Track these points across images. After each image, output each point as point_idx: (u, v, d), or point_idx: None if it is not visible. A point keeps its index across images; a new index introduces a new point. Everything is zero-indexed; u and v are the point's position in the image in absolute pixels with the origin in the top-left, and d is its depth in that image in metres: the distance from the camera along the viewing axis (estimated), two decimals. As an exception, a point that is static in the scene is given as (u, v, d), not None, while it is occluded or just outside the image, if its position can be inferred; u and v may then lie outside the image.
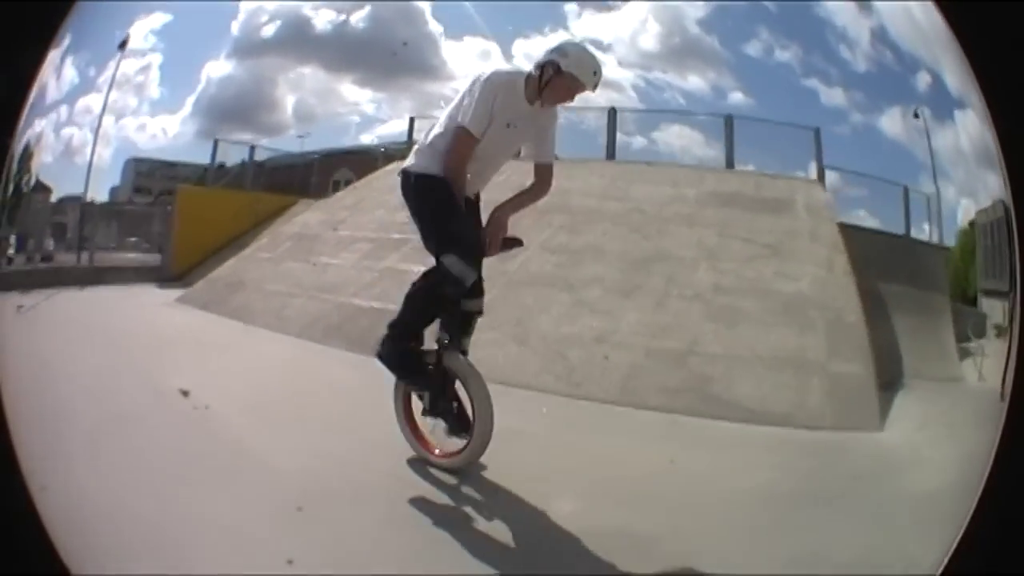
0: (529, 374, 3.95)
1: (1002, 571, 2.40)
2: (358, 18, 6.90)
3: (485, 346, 3.46)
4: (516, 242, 3.39)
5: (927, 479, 3.46)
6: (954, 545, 2.35)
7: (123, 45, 5.82)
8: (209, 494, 2.99)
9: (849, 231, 5.84)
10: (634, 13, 6.97)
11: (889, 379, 4.95)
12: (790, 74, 6.22)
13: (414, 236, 5.16)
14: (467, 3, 6.69)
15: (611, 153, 6.71)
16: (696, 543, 2.71)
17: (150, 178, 6.98)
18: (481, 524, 2.79)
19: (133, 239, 6.88)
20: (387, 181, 5.97)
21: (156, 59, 6.31)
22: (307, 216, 6.52)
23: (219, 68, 6.96)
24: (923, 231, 5.91)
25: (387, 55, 6.71)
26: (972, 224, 4.94)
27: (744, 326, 4.61)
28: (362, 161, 6.97)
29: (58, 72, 5.02)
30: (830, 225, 5.61)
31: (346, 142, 7.10)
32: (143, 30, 6.16)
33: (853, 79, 5.90)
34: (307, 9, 7.04)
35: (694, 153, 6.56)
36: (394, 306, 4.16)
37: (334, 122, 6.99)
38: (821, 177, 6.14)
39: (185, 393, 3.91)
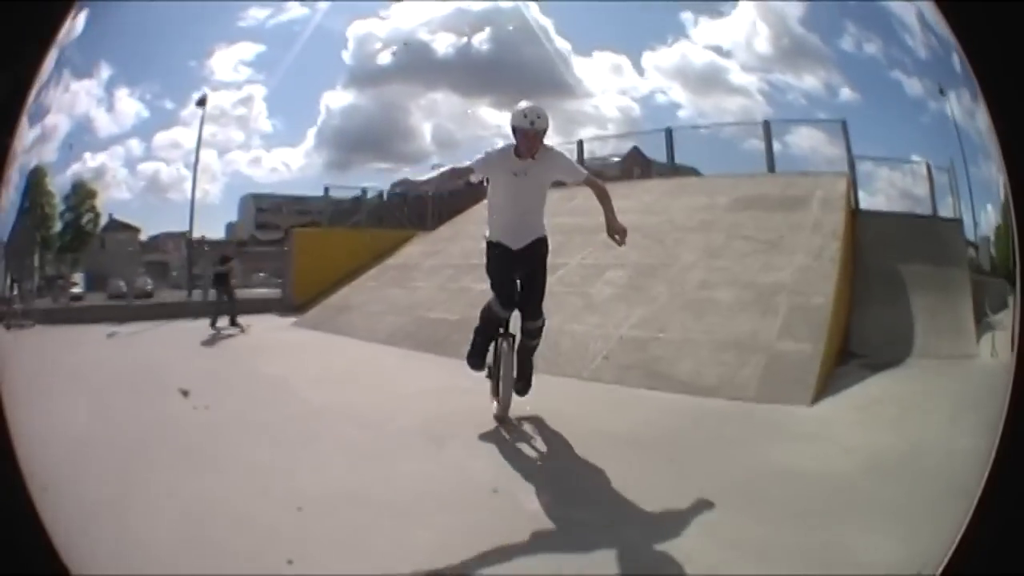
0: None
1: (1002, 571, 2.49)
2: (480, 39, 7.18)
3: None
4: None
5: (791, 454, 4.01)
6: (954, 545, 2.48)
7: (202, 102, 6.29)
8: (209, 493, 3.46)
9: (870, 218, 6.38)
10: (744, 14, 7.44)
11: (887, 358, 5.43)
12: (879, 67, 6.31)
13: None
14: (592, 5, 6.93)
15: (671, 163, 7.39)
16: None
17: (276, 214, 7.46)
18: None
19: (261, 275, 7.57)
20: (481, 212, 7.00)
21: (258, 91, 6.69)
22: (411, 248, 7.58)
23: (339, 98, 7.26)
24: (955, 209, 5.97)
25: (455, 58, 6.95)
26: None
27: (711, 315, 5.39)
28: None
29: (108, 104, 5.40)
30: (838, 215, 6.13)
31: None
32: (227, 63, 6.52)
33: (917, 66, 5.88)
34: (424, 33, 7.28)
35: (822, 153, 6.85)
36: (455, 317, 6.07)
37: (476, 146, 7.29)
38: (852, 168, 6.57)
39: (185, 393, 4.59)
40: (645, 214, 6.64)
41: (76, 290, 5.54)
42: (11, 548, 2.55)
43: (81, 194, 4.90)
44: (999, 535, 2.48)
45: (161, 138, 6.01)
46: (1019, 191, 2.81)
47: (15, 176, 3.50)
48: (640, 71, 7.16)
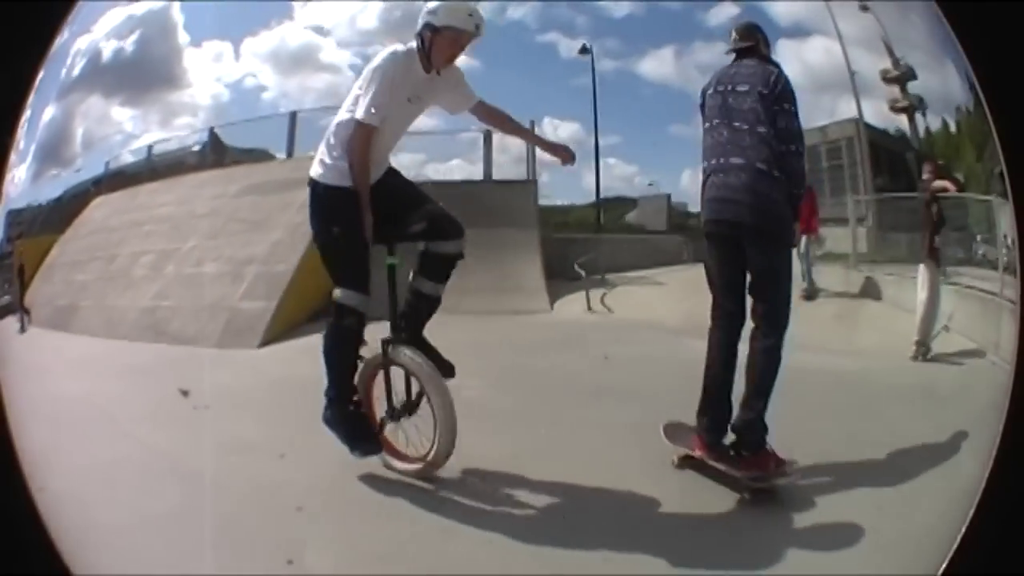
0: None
1: (1002, 571, 2.61)
2: (129, 41, 6.65)
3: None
4: None
5: (216, 372, 5.08)
6: (955, 545, 2.59)
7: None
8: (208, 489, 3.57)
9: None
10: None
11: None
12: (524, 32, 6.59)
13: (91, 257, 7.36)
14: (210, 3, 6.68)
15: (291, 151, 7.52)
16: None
17: (15, 228, 6.68)
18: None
19: (7, 285, 7.08)
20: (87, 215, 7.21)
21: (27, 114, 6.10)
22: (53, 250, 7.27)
23: (49, 112, 6.18)
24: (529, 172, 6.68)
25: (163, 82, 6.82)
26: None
27: (198, 287, 6.47)
28: (119, 183, 7.28)
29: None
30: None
31: (112, 165, 7.08)
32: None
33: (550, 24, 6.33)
34: (101, 42, 6.45)
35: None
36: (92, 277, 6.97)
37: (108, 144, 6.85)
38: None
39: (185, 393, 4.52)
40: (177, 205, 7.42)
41: None
42: (11, 548, 2.64)
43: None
44: (999, 535, 2.58)
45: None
46: (1018, 189, 2.86)
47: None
48: (237, 57, 7.07)
